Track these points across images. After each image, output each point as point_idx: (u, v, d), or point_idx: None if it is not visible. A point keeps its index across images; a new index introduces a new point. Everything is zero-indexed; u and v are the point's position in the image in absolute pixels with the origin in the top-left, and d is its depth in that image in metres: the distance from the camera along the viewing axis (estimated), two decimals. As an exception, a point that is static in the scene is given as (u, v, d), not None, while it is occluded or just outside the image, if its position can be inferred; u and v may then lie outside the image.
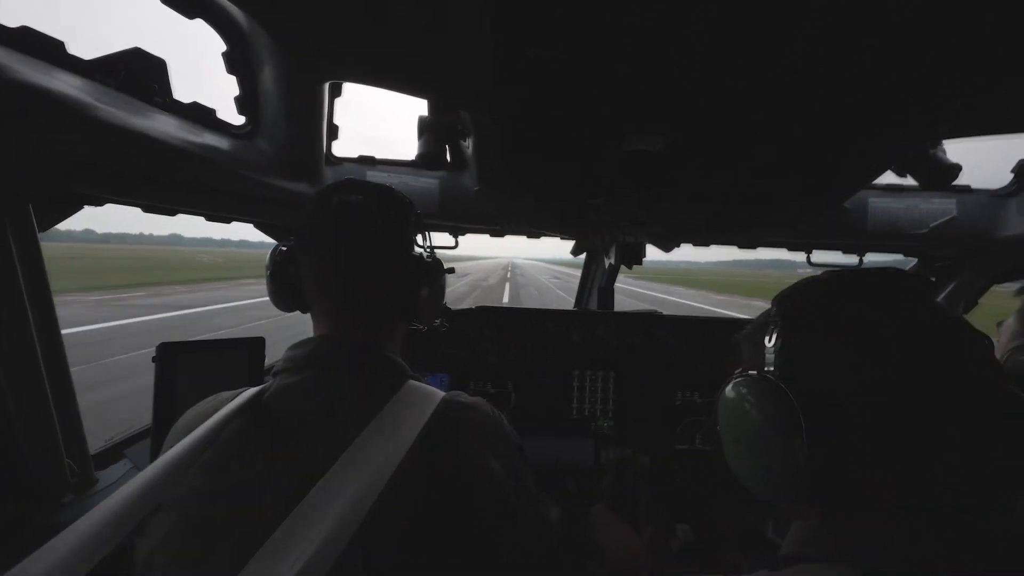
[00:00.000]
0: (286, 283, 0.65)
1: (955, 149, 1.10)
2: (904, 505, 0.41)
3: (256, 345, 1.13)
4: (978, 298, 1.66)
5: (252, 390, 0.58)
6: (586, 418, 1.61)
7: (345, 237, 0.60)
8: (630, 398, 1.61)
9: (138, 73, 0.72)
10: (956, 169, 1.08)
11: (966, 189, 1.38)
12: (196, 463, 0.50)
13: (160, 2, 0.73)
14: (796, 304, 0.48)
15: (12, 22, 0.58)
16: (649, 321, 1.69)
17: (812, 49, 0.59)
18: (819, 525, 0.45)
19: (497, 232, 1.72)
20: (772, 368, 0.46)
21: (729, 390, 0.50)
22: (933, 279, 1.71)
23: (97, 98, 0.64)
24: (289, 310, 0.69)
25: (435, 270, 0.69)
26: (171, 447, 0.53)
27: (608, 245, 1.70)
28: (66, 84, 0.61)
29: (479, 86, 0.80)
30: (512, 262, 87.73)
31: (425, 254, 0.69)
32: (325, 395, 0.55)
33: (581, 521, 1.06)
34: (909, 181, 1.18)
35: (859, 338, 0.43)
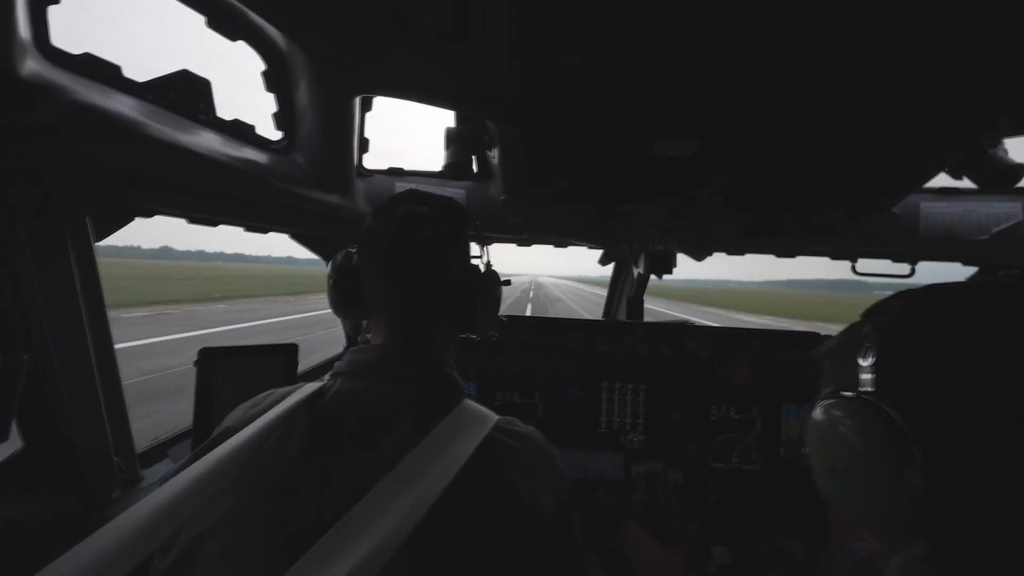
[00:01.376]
0: (347, 292, 0.67)
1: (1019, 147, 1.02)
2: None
3: (290, 351, 1.17)
4: None
5: (310, 388, 0.58)
6: (615, 431, 1.56)
7: (405, 247, 0.61)
8: (661, 411, 1.55)
9: (185, 92, 0.77)
10: (1021, 169, 0.99)
11: None
12: (255, 455, 0.51)
13: (206, 26, 0.78)
14: (895, 319, 0.45)
15: (76, 49, 0.63)
16: (681, 332, 1.64)
17: (851, 40, 0.55)
18: (926, 559, 0.41)
19: (524, 241, 1.72)
20: (869, 388, 0.42)
21: (820, 413, 0.46)
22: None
23: (148, 116, 0.68)
24: (348, 318, 0.70)
25: (492, 281, 0.69)
26: (222, 437, 0.54)
27: (637, 254, 1.67)
28: (121, 104, 0.65)
29: (507, 95, 0.81)
30: (535, 281, 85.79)
31: (482, 265, 0.69)
32: (384, 405, 0.56)
33: (611, 536, 1.03)
34: (966, 183, 1.10)
35: (974, 355, 0.39)
